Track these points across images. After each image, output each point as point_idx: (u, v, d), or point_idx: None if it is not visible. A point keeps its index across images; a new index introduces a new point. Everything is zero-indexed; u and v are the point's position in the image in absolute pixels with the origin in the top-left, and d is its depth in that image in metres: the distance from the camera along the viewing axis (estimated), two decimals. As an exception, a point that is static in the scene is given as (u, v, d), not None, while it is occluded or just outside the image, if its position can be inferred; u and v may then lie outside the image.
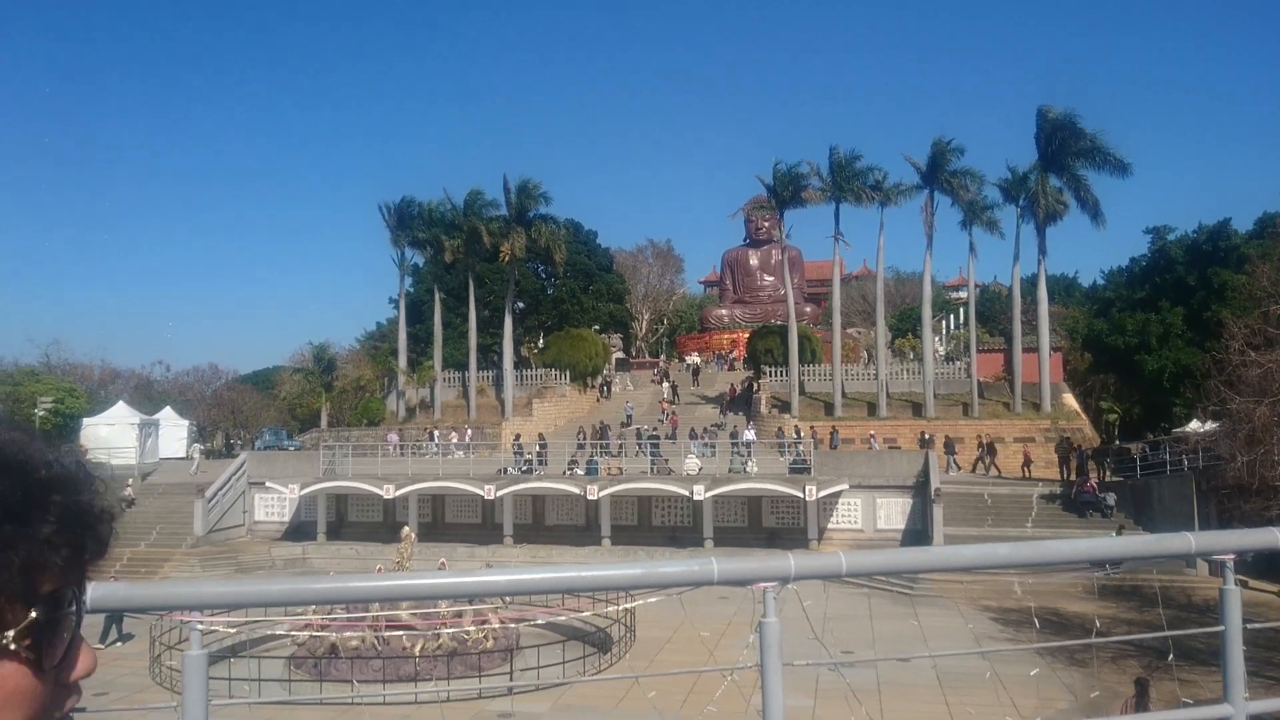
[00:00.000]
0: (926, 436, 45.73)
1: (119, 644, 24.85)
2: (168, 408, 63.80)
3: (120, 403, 59.66)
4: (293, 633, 23.27)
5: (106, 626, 25.10)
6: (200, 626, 2.27)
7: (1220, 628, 2.78)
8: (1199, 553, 2.74)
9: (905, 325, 75.04)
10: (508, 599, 22.27)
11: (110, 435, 52.04)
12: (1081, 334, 59.11)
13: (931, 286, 54.58)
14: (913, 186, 51.53)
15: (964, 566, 2.65)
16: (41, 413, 55.99)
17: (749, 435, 44.96)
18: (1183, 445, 36.29)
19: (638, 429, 49.82)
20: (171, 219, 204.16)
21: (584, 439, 47.17)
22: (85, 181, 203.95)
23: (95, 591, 2.28)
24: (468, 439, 49.30)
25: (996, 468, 43.17)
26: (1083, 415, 50.28)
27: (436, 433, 51.55)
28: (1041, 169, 48.81)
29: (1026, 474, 42.52)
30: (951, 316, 73.73)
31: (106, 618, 24.70)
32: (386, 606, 22.68)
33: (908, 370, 54.53)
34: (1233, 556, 2.81)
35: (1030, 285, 51.61)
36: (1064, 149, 47.83)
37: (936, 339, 60.82)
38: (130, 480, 44.91)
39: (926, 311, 52.44)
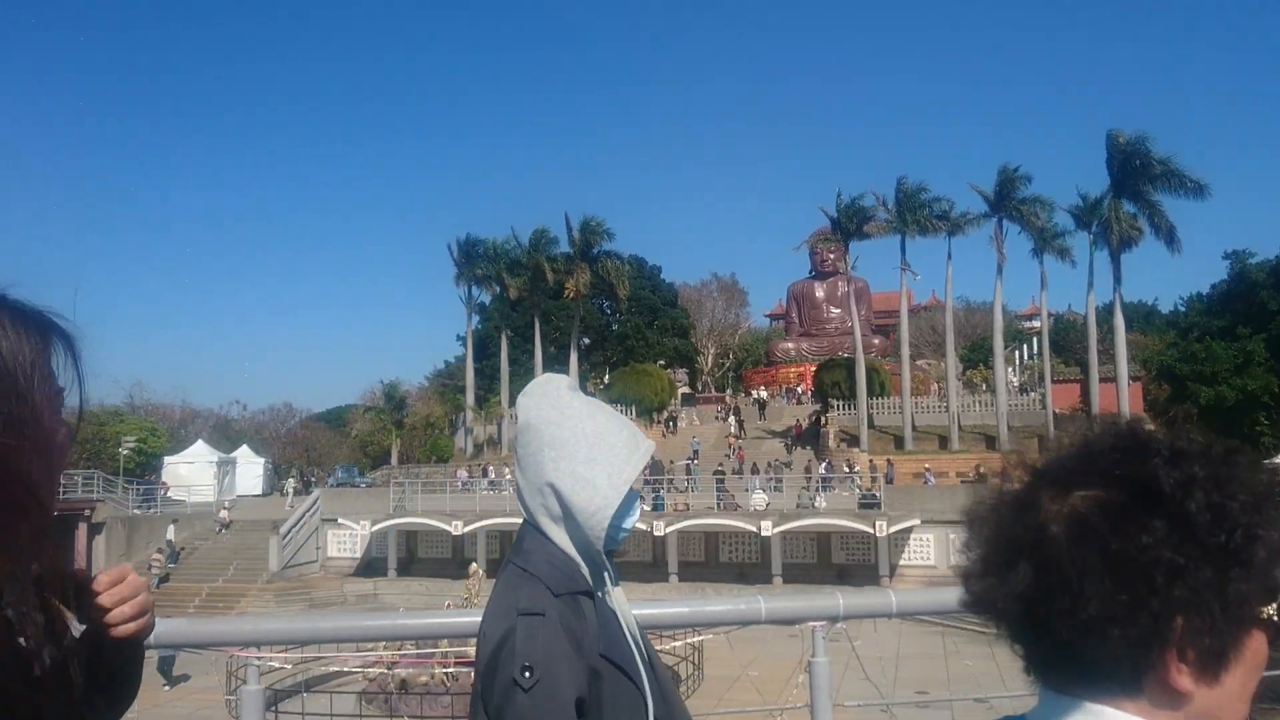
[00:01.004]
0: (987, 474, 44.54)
1: (167, 688, 24.65)
2: (244, 446, 65.48)
3: (199, 441, 61.42)
4: (361, 669, 23.40)
5: (168, 670, 24.75)
6: (257, 662, 2.32)
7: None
8: None
9: (976, 356, 73.65)
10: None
11: (190, 473, 53.53)
12: (1156, 363, 57.45)
13: (1003, 316, 53.61)
14: (980, 215, 50.85)
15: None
16: (125, 451, 57.84)
17: (821, 470, 44.45)
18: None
19: (686, 464, 49.34)
20: (245, 261, 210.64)
21: (647, 474, 47.04)
22: (164, 225, 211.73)
23: (158, 628, 2.35)
24: (492, 475, 49.48)
25: None
26: (1164, 447, 48.65)
27: (490, 468, 51.95)
28: (1113, 195, 47.79)
29: None
30: (1024, 346, 72.27)
31: (159, 661, 24.60)
32: (456, 643, 22.82)
33: (980, 402, 53.50)
34: None
35: (1106, 313, 50.34)
36: (1136, 174, 46.81)
37: (1009, 370, 59.63)
38: (227, 503, 47.52)
39: (998, 341, 51.45)
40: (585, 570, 1.53)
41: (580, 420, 1.61)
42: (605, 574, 1.57)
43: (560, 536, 1.55)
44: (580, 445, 1.57)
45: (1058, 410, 50.12)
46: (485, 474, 51.04)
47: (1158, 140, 47.03)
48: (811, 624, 2.58)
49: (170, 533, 44.06)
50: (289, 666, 22.59)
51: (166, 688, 24.39)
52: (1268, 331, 46.74)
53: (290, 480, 60.86)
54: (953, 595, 2.65)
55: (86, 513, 44.45)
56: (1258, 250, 54.40)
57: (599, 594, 1.54)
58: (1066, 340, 71.24)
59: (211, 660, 25.94)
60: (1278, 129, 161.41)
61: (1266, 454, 41.79)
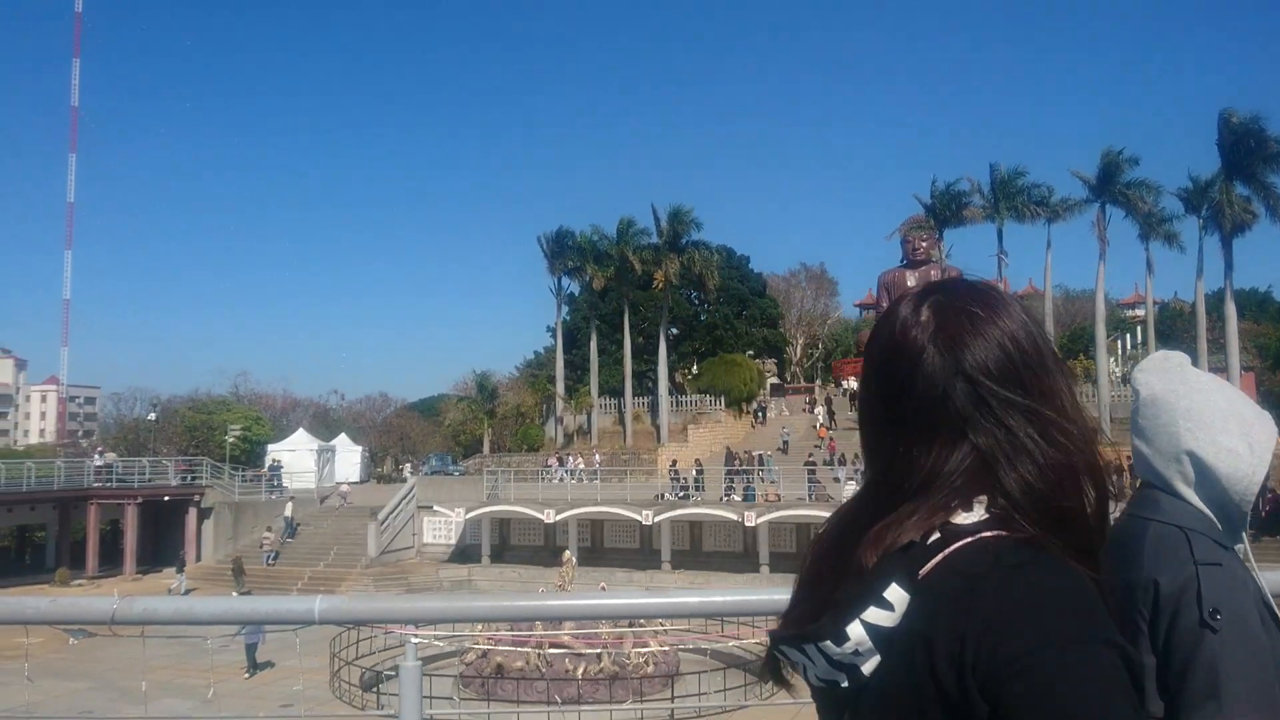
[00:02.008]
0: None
1: (248, 676, 25.12)
2: (343, 434, 67.41)
3: (300, 430, 63.46)
4: (505, 647, 23.57)
5: (252, 658, 25.29)
6: (415, 639, 2.39)
7: None
8: None
9: (1077, 346, 71.35)
10: (666, 624, 22.33)
11: (291, 461, 55.34)
12: (1274, 351, 54.82)
13: (1105, 304, 51.77)
14: (1081, 201, 49.13)
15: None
16: (231, 439, 60.15)
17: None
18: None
19: (759, 455, 48.95)
20: (344, 256, 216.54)
21: (739, 463, 46.89)
22: (271, 222, 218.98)
23: (321, 605, 2.45)
24: (596, 464, 49.88)
25: (1126, 489, 40.15)
26: (1280, 440, 46.43)
27: (569, 458, 52.38)
28: (1225, 177, 45.67)
29: None
30: (1128, 336, 69.82)
31: (248, 650, 25.08)
32: (550, 628, 23.16)
33: (1080, 393, 51.43)
34: None
35: (1216, 301, 48.24)
36: (1250, 155, 44.65)
37: (1112, 360, 57.65)
38: (345, 487, 52.63)
39: (1100, 330, 49.73)
40: (1220, 529, 1.67)
41: (1209, 394, 1.76)
42: (1240, 532, 1.71)
43: (1196, 499, 1.69)
44: (1215, 416, 1.71)
45: (1165, 400, 48.23)
46: (562, 463, 51.56)
47: (1272, 119, 44.88)
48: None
49: (288, 510, 46.14)
50: (437, 644, 23.20)
51: (248, 675, 24.51)
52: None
53: (408, 464, 63.20)
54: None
55: (196, 498, 46.38)
56: (1384, 233, 51.45)
57: (1234, 549, 1.68)
58: (1173, 329, 68.51)
59: (295, 646, 26.86)
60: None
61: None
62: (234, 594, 39.08)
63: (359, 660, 23.47)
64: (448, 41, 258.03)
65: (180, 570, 40.61)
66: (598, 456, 52.55)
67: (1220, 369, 46.69)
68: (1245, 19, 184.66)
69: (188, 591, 39.73)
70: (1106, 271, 49.08)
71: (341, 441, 64.26)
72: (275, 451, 58.43)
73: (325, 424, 79.36)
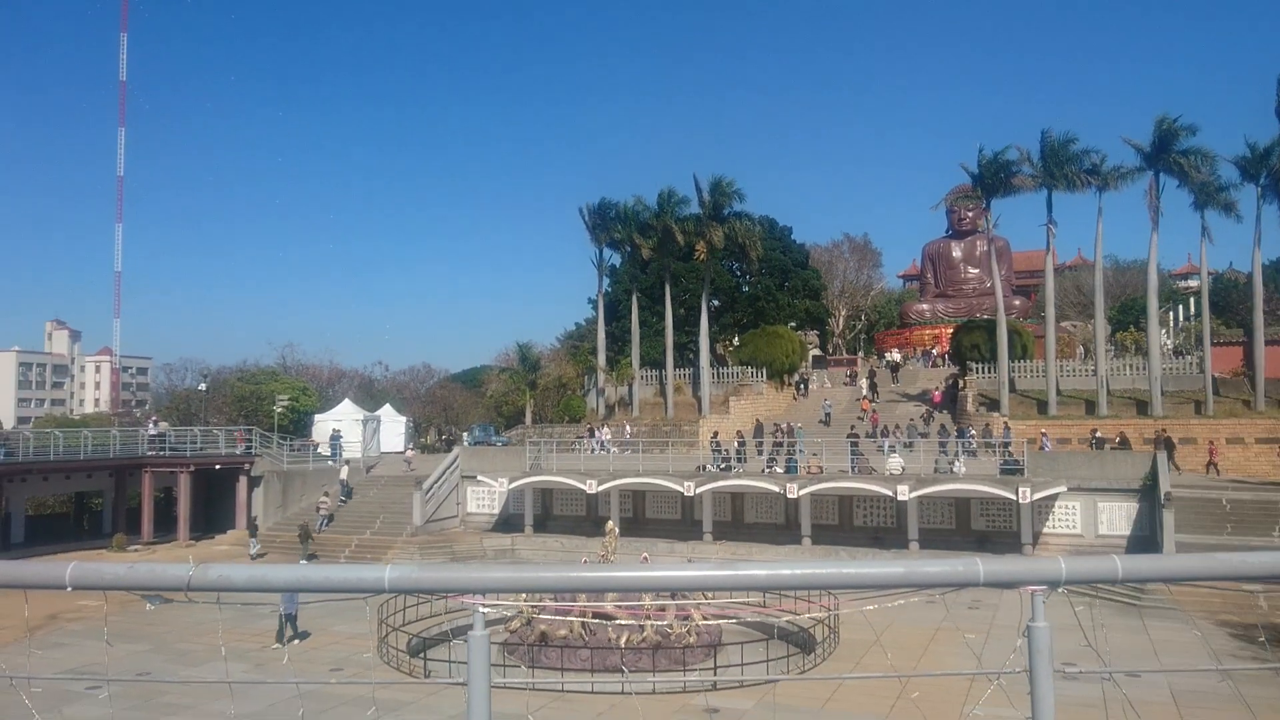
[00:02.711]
0: (1164, 435, 42.22)
1: (296, 641, 24.91)
2: (387, 405, 68.12)
3: (346, 400, 64.18)
4: (561, 617, 23.79)
5: (281, 627, 24.95)
6: (484, 609, 2.41)
7: None
8: None
9: (1127, 318, 70.08)
10: (710, 595, 22.39)
11: (338, 430, 56.08)
12: (1335, 324, 53.35)
13: (1157, 275, 50.69)
14: (1134, 169, 48.01)
15: (1258, 575, 2.45)
16: (280, 409, 61.06)
17: (964, 434, 43.46)
18: None
19: (788, 425, 48.91)
20: (390, 226, 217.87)
21: (778, 435, 46.81)
22: (313, 198, 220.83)
23: (391, 573, 2.47)
24: (626, 436, 50.01)
25: (1175, 466, 39.75)
26: (1339, 414, 45.35)
27: (603, 429, 52.60)
28: (1287, 143, 44.42)
29: (1214, 473, 39.91)
30: (1180, 307, 68.36)
31: (281, 619, 24.86)
32: (593, 598, 23.37)
33: (1130, 365, 50.98)
34: None
35: (1274, 272, 47.03)
36: (1313, 120, 43.38)
37: (1163, 332, 56.50)
38: (410, 451, 56.18)
39: (1152, 302, 48.75)
40: None
41: None
42: None
43: None
44: None
45: (1217, 375, 47.31)
46: (592, 434, 51.77)
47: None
48: (1030, 588, 2.51)
49: (344, 473, 47.42)
50: (505, 613, 23.50)
51: (277, 646, 24.33)
52: None
53: (441, 437, 64.09)
54: (1183, 562, 2.53)
55: (247, 466, 47.26)
56: None
57: None
58: (1227, 300, 66.97)
59: (330, 613, 27.27)
60: None
61: None
62: (300, 560, 39.96)
63: (405, 626, 23.86)
64: (494, 13, 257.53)
65: (254, 534, 41.59)
66: (628, 428, 52.73)
67: (1277, 342, 45.64)
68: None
69: (260, 555, 40.77)
70: (1159, 241, 48.02)
71: (386, 412, 64.96)
72: (321, 421, 59.28)
73: (370, 394, 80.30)
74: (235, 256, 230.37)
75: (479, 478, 44.66)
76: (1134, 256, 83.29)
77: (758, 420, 51.59)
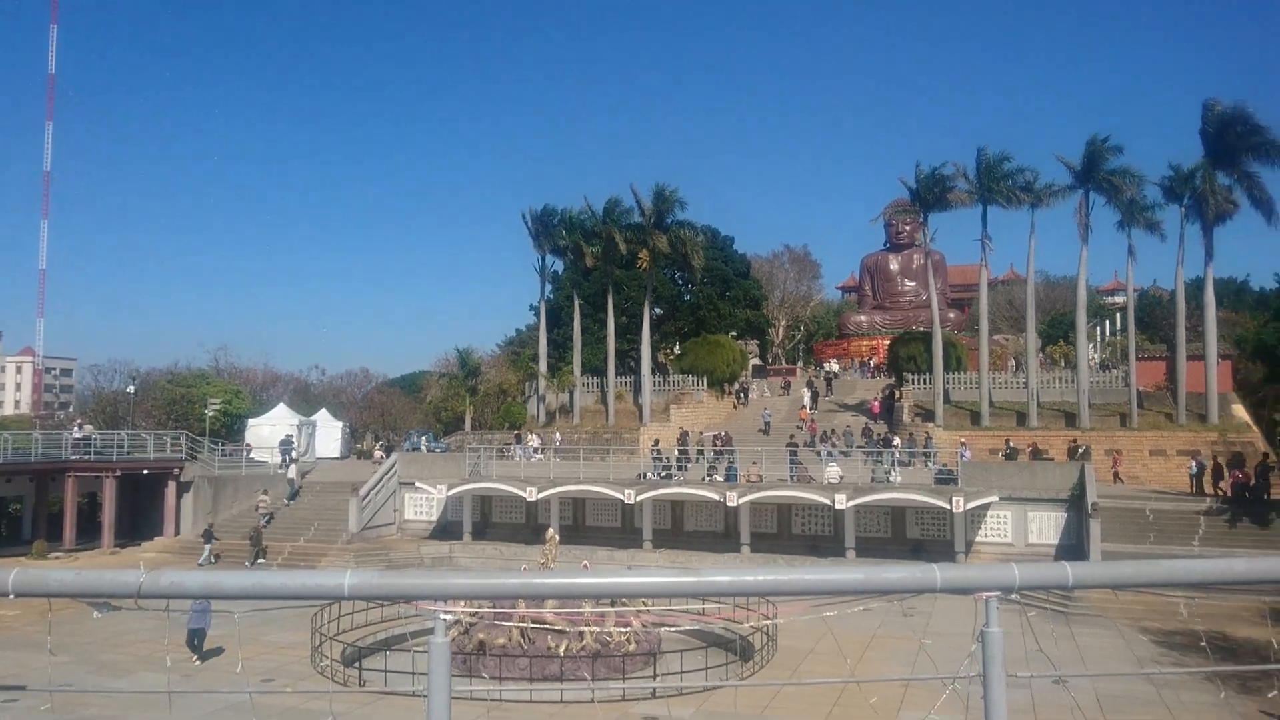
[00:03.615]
0: (1076, 445, 43.61)
1: (197, 662, 23.52)
2: (323, 410, 67.05)
3: (281, 404, 63.04)
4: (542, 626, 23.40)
5: (191, 641, 23.80)
6: (445, 616, 2.39)
7: None
8: None
9: (1056, 331, 71.94)
10: (650, 603, 22.40)
11: (272, 435, 55.01)
12: (1252, 341, 55.34)
13: (1086, 291, 52.12)
14: (1065, 187, 49.32)
15: (1198, 581, 2.54)
16: (211, 413, 59.72)
17: (896, 444, 44.22)
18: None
19: (725, 433, 49.57)
20: (325, 229, 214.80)
21: (719, 444, 47.13)
22: (251, 194, 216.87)
23: (352, 579, 2.44)
24: (556, 443, 50.04)
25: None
26: (1254, 428, 47.04)
27: (533, 436, 52.46)
28: (1209, 166, 45.97)
29: (1119, 483, 41.82)
30: (1107, 322, 70.41)
31: (189, 635, 23.67)
32: (532, 605, 23.21)
33: (1059, 379, 52.30)
34: None
35: (1195, 289, 48.61)
36: (1234, 144, 44.96)
37: (1091, 346, 58.06)
38: (379, 453, 54.01)
39: (1081, 316, 50.10)
40: None
41: None
42: None
43: None
44: None
45: (1141, 388, 48.73)
46: (519, 441, 51.63)
47: (1257, 109, 45.14)
48: (985, 594, 2.56)
49: (292, 471, 47.31)
50: (468, 619, 23.04)
51: (197, 662, 23.45)
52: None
53: (377, 445, 62.91)
54: (1129, 569, 2.61)
55: (176, 471, 46.09)
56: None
57: None
58: (1152, 316, 69.14)
59: (264, 621, 26.66)
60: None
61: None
62: (247, 564, 39.23)
63: (340, 636, 23.47)
64: (432, 20, 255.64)
65: (209, 540, 40.60)
66: (558, 435, 52.60)
67: (1198, 357, 47.20)
68: (1229, 10, 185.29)
69: (214, 560, 39.88)
70: (1089, 258, 49.39)
71: (322, 417, 63.94)
72: (255, 425, 58.09)
73: (306, 399, 78.92)
74: (168, 256, 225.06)
75: (417, 484, 44.16)
76: (1064, 272, 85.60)
77: (682, 430, 51.72)
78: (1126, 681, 20.46)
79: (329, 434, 62.18)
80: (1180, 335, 47.78)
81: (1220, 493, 38.20)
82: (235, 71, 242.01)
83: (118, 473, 44.47)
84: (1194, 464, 41.28)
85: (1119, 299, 76.39)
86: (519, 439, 52.37)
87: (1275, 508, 35.50)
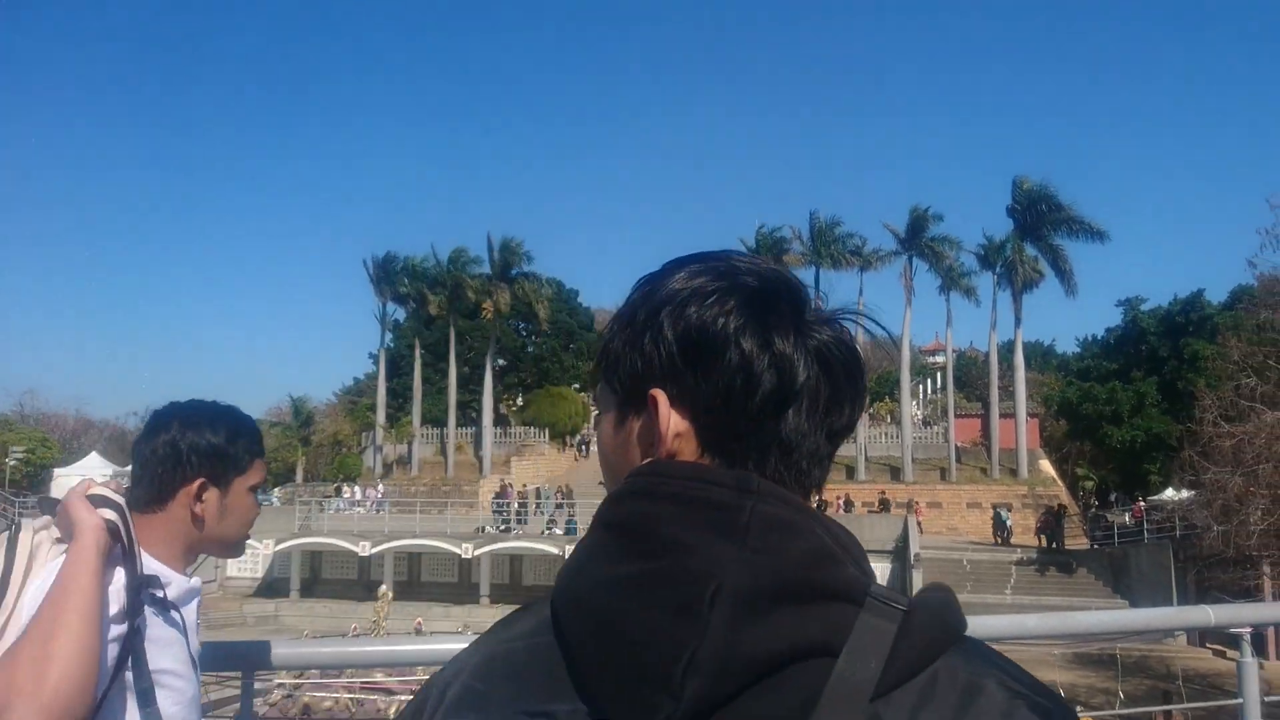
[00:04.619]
0: (883, 496, 45.81)
1: None
2: (141, 460, 62.91)
3: (94, 454, 58.80)
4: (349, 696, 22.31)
5: None
6: (265, 684, 2.30)
7: (1238, 700, 2.86)
8: (1218, 625, 2.84)
9: (882, 389, 75.50)
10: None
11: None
12: (1057, 400, 59.72)
13: (909, 351, 55.14)
14: (891, 252, 52.36)
15: (994, 637, 2.73)
16: (13, 462, 55.18)
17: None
18: (1159, 514, 36.66)
19: (566, 486, 49.15)
20: (149, 269, 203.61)
21: (560, 498, 46.90)
22: (63, 230, 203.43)
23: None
24: (380, 496, 48.86)
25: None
26: (1059, 481, 50.62)
27: (354, 489, 50.96)
28: (1018, 237, 49.71)
29: (919, 531, 44.25)
30: (929, 381, 74.30)
31: None
32: (361, 670, 22.29)
33: (885, 434, 54.82)
34: (1249, 630, 2.90)
35: (1007, 351, 52.12)
36: (1040, 218, 48.78)
37: (914, 403, 61.23)
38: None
39: (905, 376, 52.90)
40: None
41: None
42: None
43: None
44: None
45: (959, 444, 51.68)
46: (339, 494, 49.80)
47: (1062, 187, 49.34)
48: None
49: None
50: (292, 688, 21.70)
51: None
52: (1159, 376, 49.01)
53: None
54: (1036, 622, 2.77)
55: (-33, 526, 42.23)
56: (1149, 297, 57.12)
57: None
58: (969, 376, 73.50)
59: None
60: (1174, 185, 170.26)
61: (1155, 491, 43.86)
62: None
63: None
64: (281, 48, 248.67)
65: None
66: (380, 487, 51.19)
67: (1009, 416, 50.51)
68: (1036, 90, 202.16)
69: None
70: (912, 320, 52.37)
71: (139, 467, 60.01)
72: (64, 476, 53.86)
73: (123, 448, 73.88)
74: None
75: (241, 539, 41.93)
76: (891, 333, 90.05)
77: (503, 483, 50.63)
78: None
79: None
80: (994, 394, 51.06)
81: (1039, 542, 40.75)
82: (41, 83, 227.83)
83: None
84: (1000, 512, 44.07)
85: (940, 359, 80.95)
86: (339, 491, 50.30)
87: (1076, 557, 38.20)
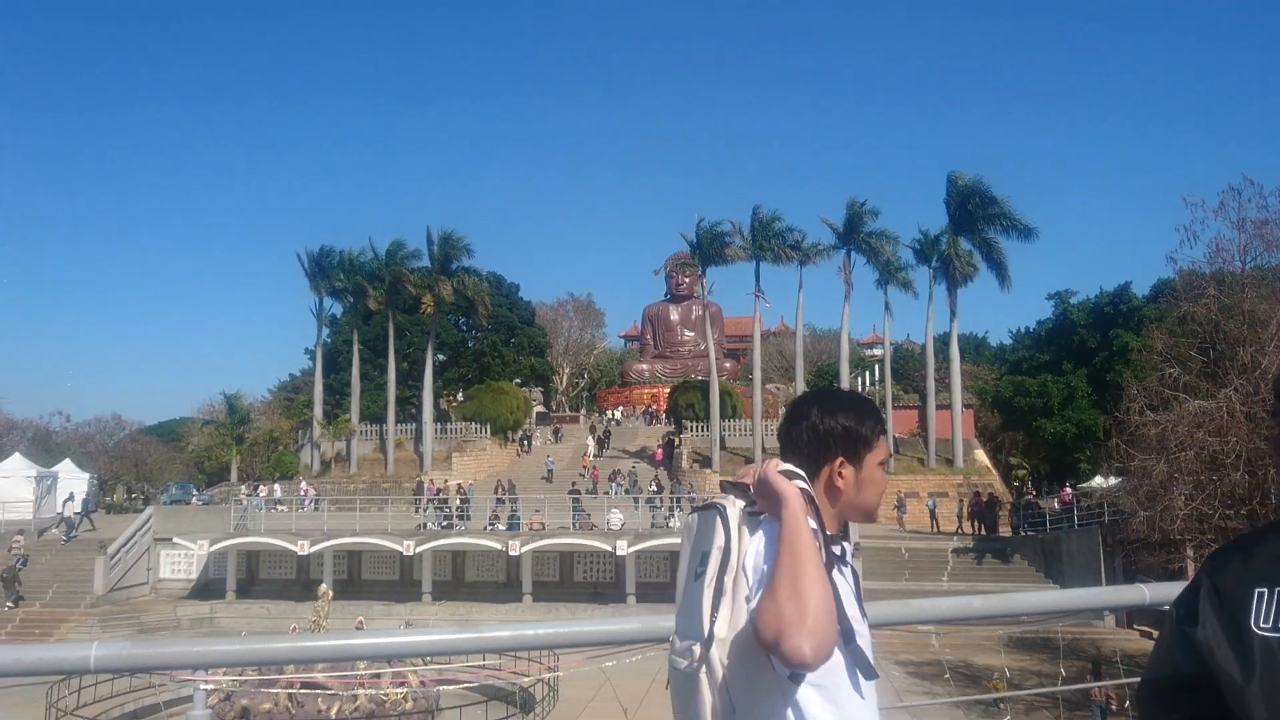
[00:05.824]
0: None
1: None
2: (67, 460, 61.02)
3: (16, 454, 56.90)
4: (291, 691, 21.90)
5: None
6: (205, 687, 2.25)
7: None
8: (1153, 604, 2.92)
9: (822, 381, 76.36)
10: (428, 660, 21.75)
11: (4, 489, 49.55)
12: (990, 393, 60.97)
13: (849, 343, 55.86)
14: (830, 246, 52.94)
15: (941, 619, 2.78)
16: (-70, 465, 53.11)
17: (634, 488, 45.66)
18: (1088, 500, 37.67)
19: (509, 481, 49.21)
20: (73, 261, 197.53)
21: (502, 494, 46.67)
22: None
23: (99, 650, 2.26)
24: (307, 491, 48.24)
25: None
26: (993, 471, 51.74)
27: (270, 487, 50.21)
28: (952, 232, 50.63)
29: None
30: (867, 373, 75.35)
31: None
32: (301, 667, 21.95)
33: (823, 425, 55.40)
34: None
35: (943, 344, 53.08)
36: (974, 214, 49.75)
37: (853, 395, 61.91)
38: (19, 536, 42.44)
39: (844, 368, 53.59)
40: None
41: None
42: None
43: None
44: None
45: (898, 435, 52.52)
46: (256, 491, 48.79)
47: (995, 183, 50.33)
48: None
49: (68, 509, 45.03)
50: (231, 688, 21.24)
51: None
52: (1089, 368, 50.34)
53: (130, 495, 57.46)
54: (882, 609, 2.82)
55: (-118, 531, 40.62)
56: (1079, 290, 58.69)
57: None
58: (906, 368, 74.72)
59: None
60: (1103, 178, 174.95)
61: (1085, 479, 45.06)
62: (6, 605, 35.87)
63: (80, 710, 21.31)
64: (198, 47, 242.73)
65: None
66: (305, 485, 50.50)
67: (946, 407, 51.47)
68: (972, 84, 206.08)
69: None
70: (850, 313, 53.05)
71: (65, 468, 58.15)
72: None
73: (47, 448, 71.74)
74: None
75: (175, 540, 41.01)
76: (830, 325, 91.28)
77: (420, 481, 50.21)
78: (887, 715, 21.71)
79: (73, 486, 56.67)
80: (930, 386, 51.99)
81: (974, 530, 41.62)
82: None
83: None
84: (931, 500, 44.94)
85: (878, 351, 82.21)
86: (256, 489, 49.21)
87: (1010, 544, 39.08)
